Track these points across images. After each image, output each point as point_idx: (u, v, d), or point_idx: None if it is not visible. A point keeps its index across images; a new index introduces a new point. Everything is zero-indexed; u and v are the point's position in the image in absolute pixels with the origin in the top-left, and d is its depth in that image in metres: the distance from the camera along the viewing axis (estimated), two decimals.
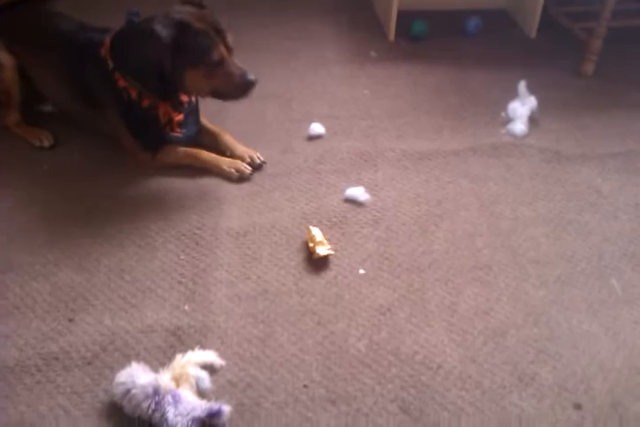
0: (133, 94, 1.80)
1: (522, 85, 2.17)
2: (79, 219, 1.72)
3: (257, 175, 1.88)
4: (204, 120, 2.02)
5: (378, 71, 2.46)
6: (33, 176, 1.88)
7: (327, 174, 1.89)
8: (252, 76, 1.73)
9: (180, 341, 1.37)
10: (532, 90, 2.16)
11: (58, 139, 2.01)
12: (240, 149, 1.94)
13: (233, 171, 1.87)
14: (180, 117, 1.89)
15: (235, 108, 2.17)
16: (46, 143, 2.00)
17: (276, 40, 2.67)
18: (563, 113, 2.21)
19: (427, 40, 2.66)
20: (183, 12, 1.70)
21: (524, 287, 1.53)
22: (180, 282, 1.52)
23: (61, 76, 1.94)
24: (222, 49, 1.69)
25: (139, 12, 1.79)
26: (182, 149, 1.91)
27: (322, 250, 1.57)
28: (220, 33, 1.70)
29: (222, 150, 1.95)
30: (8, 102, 2.01)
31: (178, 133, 1.90)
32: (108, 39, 1.80)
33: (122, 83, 1.80)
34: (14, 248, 1.62)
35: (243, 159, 1.90)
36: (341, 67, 2.49)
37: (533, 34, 2.71)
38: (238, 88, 1.73)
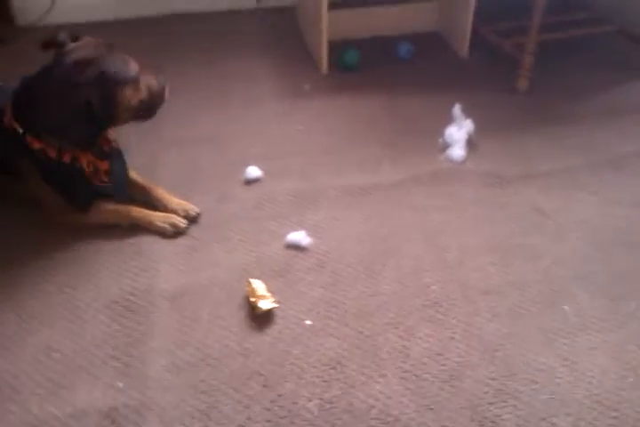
0: (52, 153, 1.72)
1: (456, 109, 2.16)
2: (1, 292, 1.62)
3: (193, 227, 1.80)
4: (134, 173, 1.94)
5: (312, 105, 2.42)
6: None
7: (267, 220, 1.82)
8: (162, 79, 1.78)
9: (115, 423, 1.27)
10: (467, 112, 2.15)
11: None
12: (173, 202, 1.86)
13: (167, 226, 1.78)
14: (105, 165, 1.80)
15: (165, 156, 2.11)
16: None
17: (207, 80, 2.60)
18: (500, 133, 2.19)
19: (359, 69, 2.63)
20: (70, 51, 1.65)
21: (477, 322, 1.48)
22: (112, 356, 1.42)
23: None
24: (133, 65, 1.69)
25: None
26: (111, 207, 1.82)
27: (264, 304, 1.49)
28: (114, 47, 1.70)
29: (154, 205, 1.87)
30: None
31: (106, 184, 1.81)
32: (8, 106, 1.72)
33: (37, 145, 1.71)
34: None
35: (176, 213, 1.83)
36: (275, 103, 2.44)
37: (466, 55, 2.72)
38: (160, 93, 1.77)
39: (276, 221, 1.82)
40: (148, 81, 1.74)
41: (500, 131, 2.20)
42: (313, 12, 2.74)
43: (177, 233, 1.78)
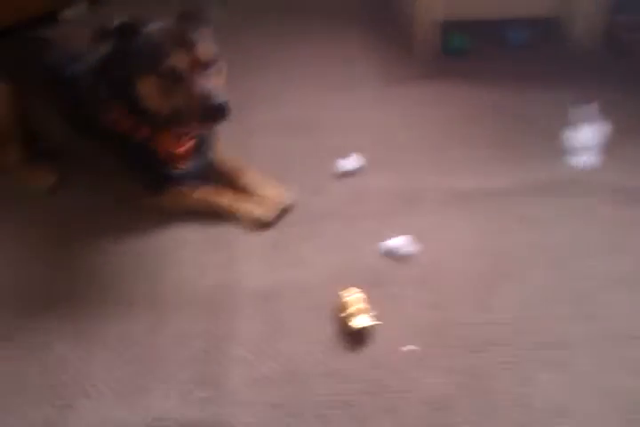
0: (127, 126, 1.59)
1: (586, 108, 1.90)
2: (81, 279, 1.50)
3: (282, 221, 1.64)
4: (221, 153, 1.78)
5: (411, 92, 2.19)
6: (31, 226, 1.66)
7: (362, 220, 1.63)
8: (219, 99, 1.44)
9: None
10: (597, 112, 1.89)
11: (61, 179, 1.80)
12: (267, 188, 1.69)
13: (256, 216, 1.62)
14: (182, 150, 1.64)
15: (253, 142, 1.95)
16: (46, 186, 1.77)
17: (299, 60, 2.42)
18: (638, 139, 1.92)
19: (466, 56, 2.38)
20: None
21: (615, 376, 1.24)
22: (192, 359, 1.28)
23: (54, 113, 1.74)
24: (181, 59, 1.45)
25: None
26: (199, 194, 1.67)
27: (361, 321, 1.31)
28: (184, 43, 1.46)
29: (242, 189, 1.71)
30: (3, 140, 1.80)
31: (182, 169, 1.66)
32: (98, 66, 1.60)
33: (114, 114, 1.59)
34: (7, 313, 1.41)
35: (266, 201, 1.66)
36: (371, 89, 2.23)
37: (592, 46, 2.40)
38: (201, 112, 1.45)
39: (371, 222, 1.62)
40: (192, 90, 1.45)
41: (638, 138, 1.93)
42: None
43: (264, 225, 1.62)
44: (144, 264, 1.53)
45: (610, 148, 1.82)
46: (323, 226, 1.62)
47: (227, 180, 1.74)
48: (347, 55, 2.43)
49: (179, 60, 1.45)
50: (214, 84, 1.48)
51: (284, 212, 1.65)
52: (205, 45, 1.50)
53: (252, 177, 1.72)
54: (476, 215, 1.64)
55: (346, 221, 1.63)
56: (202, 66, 1.48)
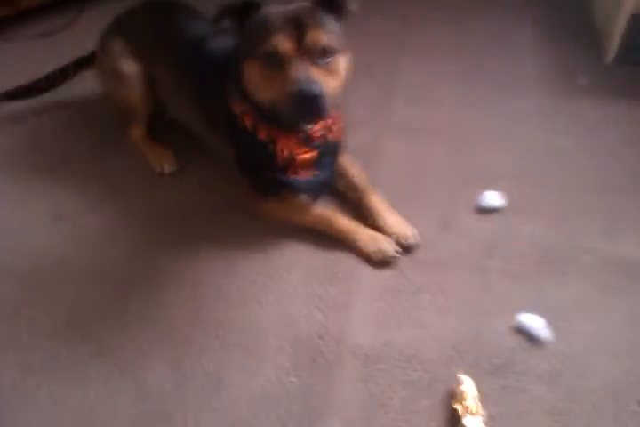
0: (248, 122, 1.43)
1: None
2: (180, 291, 1.41)
3: (403, 259, 1.46)
4: (351, 166, 1.59)
5: (587, 108, 1.86)
6: (135, 219, 1.60)
7: (496, 276, 1.42)
8: (310, 90, 1.24)
9: None
10: None
11: (181, 163, 1.72)
12: (390, 219, 1.50)
13: (374, 250, 1.45)
14: (306, 156, 1.46)
15: (388, 143, 1.73)
16: (167, 169, 1.70)
17: (452, 49, 2.11)
18: None
19: None
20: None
21: None
22: (282, 421, 1.18)
23: (184, 91, 1.60)
24: (285, 42, 1.27)
25: None
26: (315, 210, 1.51)
27: (471, 423, 1.15)
28: (298, 26, 1.28)
29: (363, 212, 1.53)
30: (133, 115, 1.73)
31: (303, 177, 1.49)
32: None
33: (237, 107, 1.43)
34: (101, 322, 1.35)
35: (391, 235, 1.48)
36: (536, 97, 1.91)
37: None
38: (291, 101, 1.27)
39: (507, 282, 1.40)
40: (289, 76, 1.27)
41: None
42: None
43: (384, 262, 1.45)
44: (246, 285, 1.42)
45: None
46: (450, 275, 1.42)
47: (348, 197, 1.57)
48: (513, 49, 2.10)
49: (282, 43, 1.27)
50: (316, 75, 1.27)
51: (408, 249, 1.47)
52: (321, 32, 1.29)
53: (375, 202, 1.53)
54: (637, 298, 1.38)
55: (476, 274, 1.42)
56: (311, 54, 1.28)
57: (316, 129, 1.44)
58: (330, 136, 1.48)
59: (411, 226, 1.49)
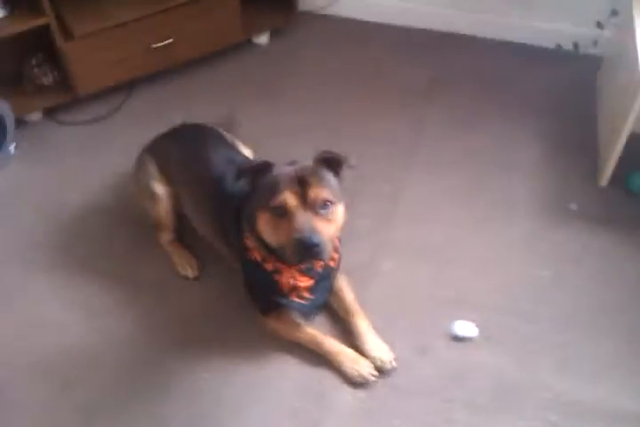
0: (257, 256, 1.67)
1: None
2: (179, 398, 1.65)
3: (380, 382, 1.66)
4: (343, 284, 1.81)
5: (573, 237, 1.99)
6: (163, 315, 1.84)
7: (460, 409, 1.60)
8: (311, 239, 1.48)
9: None
10: None
11: (204, 268, 1.95)
12: (371, 343, 1.71)
13: (355, 373, 1.66)
14: (308, 283, 1.69)
15: (384, 260, 1.94)
16: (191, 274, 1.93)
17: (461, 160, 2.25)
18: None
19: None
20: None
21: None
22: None
23: (206, 216, 1.85)
24: (290, 197, 1.51)
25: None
26: (308, 331, 1.74)
27: None
28: (302, 184, 1.53)
29: (350, 333, 1.75)
30: (162, 227, 1.98)
31: (303, 300, 1.71)
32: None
33: (249, 242, 1.68)
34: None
35: (371, 359, 1.68)
36: (525, 221, 2.04)
37: None
38: (294, 248, 1.50)
39: (469, 414, 1.59)
40: (292, 226, 1.50)
41: None
42: (622, 83, 2.10)
43: (361, 384, 1.65)
44: (240, 391, 1.64)
45: None
46: (419, 403, 1.62)
47: (338, 314, 1.79)
48: (513, 166, 2.22)
49: (289, 199, 1.51)
50: (317, 224, 1.51)
51: (384, 373, 1.67)
52: (322, 189, 1.53)
53: (360, 325, 1.74)
54: None
55: (445, 404, 1.62)
56: (313, 206, 1.52)
57: (318, 262, 1.65)
58: (330, 263, 1.71)
59: (389, 351, 1.69)
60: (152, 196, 1.91)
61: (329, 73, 2.62)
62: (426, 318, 1.80)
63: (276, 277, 1.67)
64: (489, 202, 2.12)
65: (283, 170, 1.58)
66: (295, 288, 1.69)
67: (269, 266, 1.67)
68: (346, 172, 1.63)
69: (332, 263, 1.72)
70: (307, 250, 1.49)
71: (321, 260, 1.57)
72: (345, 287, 1.81)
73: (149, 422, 1.61)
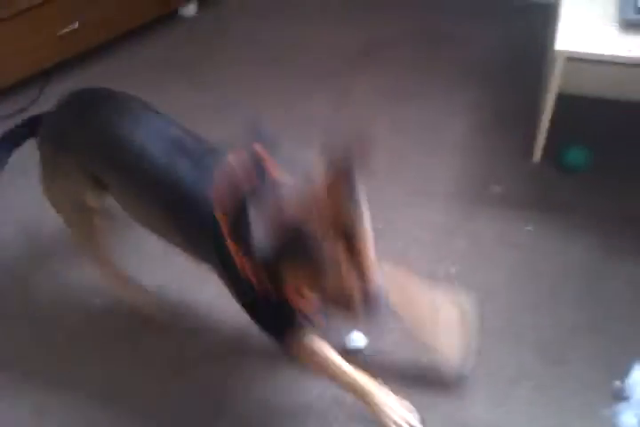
0: (253, 278, 1.23)
1: None
2: None
3: None
4: None
5: (490, 224, 1.79)
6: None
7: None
8: (379, 295, 1.09)
9: None
10: None
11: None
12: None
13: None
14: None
15: None
16: (145, 312, 1.55)
17: (388, 137, 2.02)
18: None
19: (589, 171, 1.85)
20: (304, 190, 1.08)
21: None
22: None
23: (163, 227, 1.37)
24: (336, 252, 1.07)
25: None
26: (337, 360, 1.31)
27: None
28: (344, 227, 1.06)
29: None
30: (103, 259, 1.55)
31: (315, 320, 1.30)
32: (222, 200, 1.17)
33: (244, 263, 1.21)
34: None
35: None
36: (441, 204, 1.85)
37: None
38: (346, 308, 1.12)
39: None
40: (340, 282, 1.09)
41: None
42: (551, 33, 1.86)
43: None
44: None
45: None
46: None
47: None
48: (439, 145, 2.00)
49: (332, 254, 1.07)
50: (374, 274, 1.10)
51: None
52: (367, 227, 1.09)
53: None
54: None
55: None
56: (359, 253, 1.09)
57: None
58: None
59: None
60: (82, 213, 1.43)
61: (257, 46, 2.42)
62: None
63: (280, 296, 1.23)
64: (408, 186, 1.93)
65: (307, 216, 1.05)
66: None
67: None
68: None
69: None
70: (371, 310, 1.10)
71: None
72: None
73: None
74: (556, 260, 1.70)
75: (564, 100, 1.77)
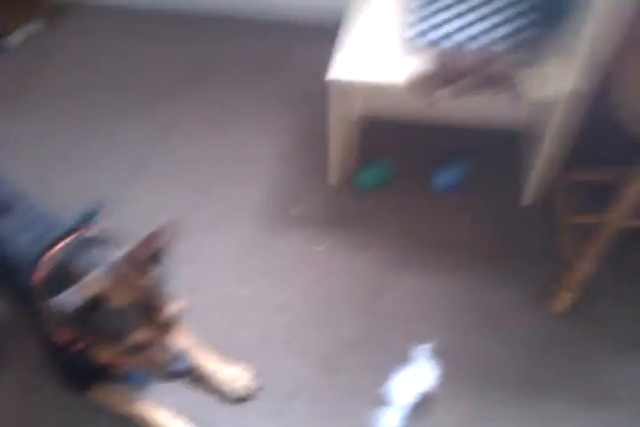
0: (67, 337, 1.38)
1: (420, 349, 1.58)
2: None
3: None
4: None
5: (289, 245, 1.88)
6: None
7: None
8: (180, 365, 1.29)
9: None
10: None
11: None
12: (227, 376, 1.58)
13: None
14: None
15: None
16: None
17: (190, 164, 2.11)
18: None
19: (381, 190, 1.98)
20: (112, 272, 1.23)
21: None
22: None
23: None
24: (145, 333, 1.26)
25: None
26: (130, 396, 1.55)
27: None
28: (151, 308, 1.26)
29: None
30: None
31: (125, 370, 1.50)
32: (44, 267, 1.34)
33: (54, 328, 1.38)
34: None
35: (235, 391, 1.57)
36: (247, 226, 1.93)
37: (528, 200, 1.94)
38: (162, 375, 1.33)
39: None
40: (153, 357, 1.29)
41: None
42: None
43: None
44: None
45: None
46: None
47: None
48: (246, 168, 2.08)
49: (142, 335, 1.25)
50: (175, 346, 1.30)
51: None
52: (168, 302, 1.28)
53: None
54: None
55: None
56: (166, 328, 1.29)
57: None
58: None
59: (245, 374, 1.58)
60: None
61: (80, 78, 2.44)
62: None
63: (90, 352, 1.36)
64: (215, 210, 2.00)
65: (114, 292, 1.21)
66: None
67: (80, 345, 1.36)
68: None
69: None
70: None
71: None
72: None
73: None
74: (345, 276, 1.82)
75: (372, 122, 1.87)
